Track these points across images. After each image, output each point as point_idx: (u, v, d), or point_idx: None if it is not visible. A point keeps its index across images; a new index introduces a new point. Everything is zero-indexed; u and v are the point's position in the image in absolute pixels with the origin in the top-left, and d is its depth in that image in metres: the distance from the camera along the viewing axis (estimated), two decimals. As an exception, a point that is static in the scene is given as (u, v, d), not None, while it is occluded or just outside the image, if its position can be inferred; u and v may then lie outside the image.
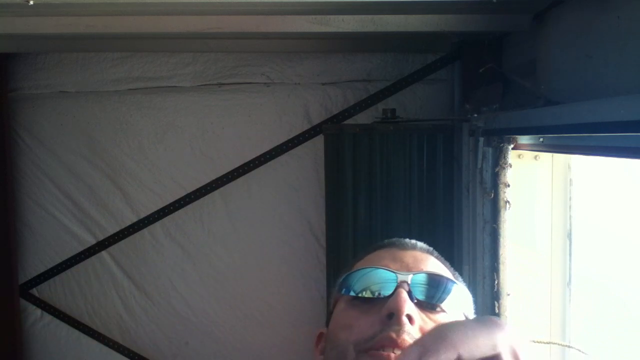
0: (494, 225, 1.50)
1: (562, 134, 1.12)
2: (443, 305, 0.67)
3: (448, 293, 0.68)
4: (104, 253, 2.12)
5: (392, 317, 0.60)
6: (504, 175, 1.46)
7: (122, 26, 1.50)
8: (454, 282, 0.70)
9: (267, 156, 2.00)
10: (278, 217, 2.08)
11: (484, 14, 1.48)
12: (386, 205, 1.79)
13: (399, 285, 0.65)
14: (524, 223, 1.50)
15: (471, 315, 0.74)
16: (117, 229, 2.10)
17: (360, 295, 0.68)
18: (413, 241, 0.77)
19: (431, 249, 0.77)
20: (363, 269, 0.70)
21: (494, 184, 1.48)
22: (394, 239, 0.79)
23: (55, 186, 2.11)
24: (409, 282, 0.65)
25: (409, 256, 0.73)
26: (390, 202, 1.79)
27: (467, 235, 1.63)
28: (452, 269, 0.77)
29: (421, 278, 0.67)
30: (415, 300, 0.65)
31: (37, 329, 2.20)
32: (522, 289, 1.51)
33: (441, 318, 0.66)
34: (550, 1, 1.32)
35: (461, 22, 1.51)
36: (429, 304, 0.66)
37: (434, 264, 0.73)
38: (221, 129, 2.06)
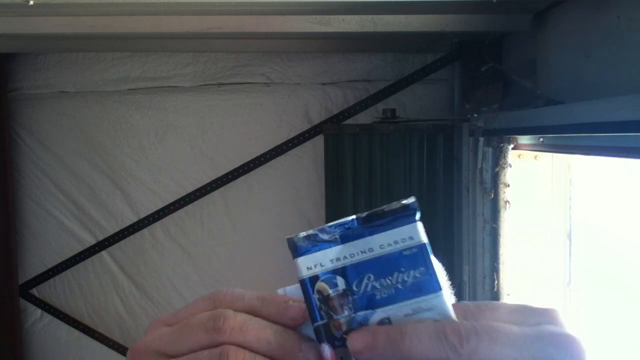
0: (494, 225, 1.50)
1: (562, 134, 1.12)
2: None
3: None
4: (104, 253, 2.12)
5: None
6: (504, 175, 1.46)
7: (122, 26, 1.50)
8: None
9: (267, 156, 2.00)
10: (278, 217, 2.08)
11: (484, 14, 1.48)
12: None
13: None
14: (524, 223, 1.50)
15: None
16: (117, 229, 2.10)
17: None
18: None
19: None
20: None
21: (494, 184, 1.48)
22: None
23: (55, 186, 2.11)
24: None
25: None
26: (390, 201, 1.78)
27: (467, 235, 1.63)
28: None
29: None
30: None
31: (37, 329, 2.20)
32: (522, 289, 1.51)
33: None
34: (550, 1, 1.32)
35: (461, 22, 1.51)
36: None
37: None
38: (221, 129, 2.06)
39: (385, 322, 0.35)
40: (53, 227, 2.14)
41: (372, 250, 0.37)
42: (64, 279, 2.16)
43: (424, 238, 0.37)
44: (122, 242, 2.10)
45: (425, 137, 1.77)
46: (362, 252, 0.37)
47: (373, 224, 0.38)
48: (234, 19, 1.50)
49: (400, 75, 1.95)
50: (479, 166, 1.51)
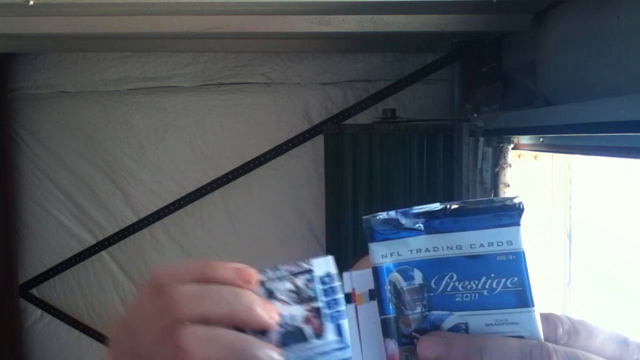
0: (494, 225, 1.49)
1: (562, 134, 1.12)
2: None
3: None
4: (104, 253, 2.12)
5: None
6: (504, 175, 1.46)
7: (122, 26, 1.50)
8: None
9: (267, 156, 2.00)
10: (278, 217, 2.08)
11: (484, 14, 1.48)
12: (386, 205, 1.78)
13: None
14: (524, 223, 1.50)
15: None
16: (117, 229, 2.10)
17: None
18: None
19: None
20: None
21: (494, 184, 1.48)
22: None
23: (55, 186, 2.11)
24: None
25: None
26: (390, 202, 1.79)
27: (467, 235, 1.62)
28: None
29: None
30: None
31: (37, 329, 2.20)
32: (522, 289, 1.50)
33: None
34: (550, 1, 1.32)
35: (461, 22, 1.50)
36: None
37: None
38: (221, 129, 2.06)
39: (461, 327, 0.32)
40: (53, 227, 2.14)
41: (461, 248, 0.33)
42: (64, 279, 2.16)
43: (524, 245, 0.33)
44: (122, 242, 2.10)
45: (425, 137, 1.77)
46: (448, 247, 0.33)
47: (466, 218, 0.33)
48: (234, 19, 1.49)
49: (400, 75, 1.95)
50: (479, 166, 1.51)
